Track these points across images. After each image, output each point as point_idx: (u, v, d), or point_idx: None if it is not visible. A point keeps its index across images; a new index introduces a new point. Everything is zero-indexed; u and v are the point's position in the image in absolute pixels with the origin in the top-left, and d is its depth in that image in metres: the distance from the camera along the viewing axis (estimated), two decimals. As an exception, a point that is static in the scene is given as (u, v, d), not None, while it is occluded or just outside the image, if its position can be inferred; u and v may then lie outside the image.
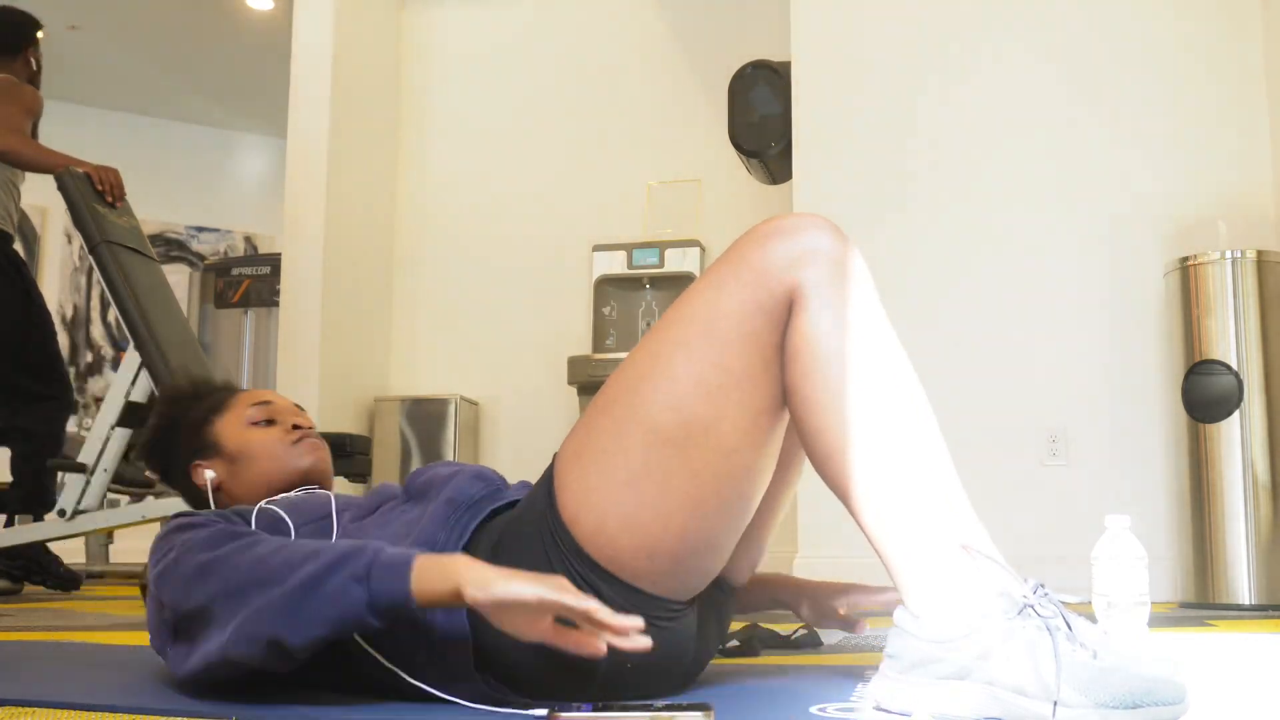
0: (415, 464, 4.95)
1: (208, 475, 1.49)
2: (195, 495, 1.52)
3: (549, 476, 1.23)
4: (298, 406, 1.60)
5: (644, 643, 1.01)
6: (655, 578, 1.17)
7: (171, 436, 1.54)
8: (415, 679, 1.15)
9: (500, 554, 1.23)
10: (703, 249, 4.89)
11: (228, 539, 1.17)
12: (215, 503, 1.50)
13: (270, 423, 1.53)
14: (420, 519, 1.26)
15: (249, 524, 1.27)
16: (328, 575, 1.06)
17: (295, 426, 1.53)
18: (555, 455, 1.24)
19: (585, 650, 1.02)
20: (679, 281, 4.81)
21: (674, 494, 1.15)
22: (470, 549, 1.24)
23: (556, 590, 1.01)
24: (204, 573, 1.14)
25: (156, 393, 3.45)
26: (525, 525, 1.23)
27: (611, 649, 1.08)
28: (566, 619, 1.04)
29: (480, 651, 1.15)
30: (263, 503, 1.35)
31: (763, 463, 1.21)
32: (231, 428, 1.51)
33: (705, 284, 1.19)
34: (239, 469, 1.49)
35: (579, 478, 1.19)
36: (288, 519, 1.30)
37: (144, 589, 1.39)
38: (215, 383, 1.65)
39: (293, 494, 1.43)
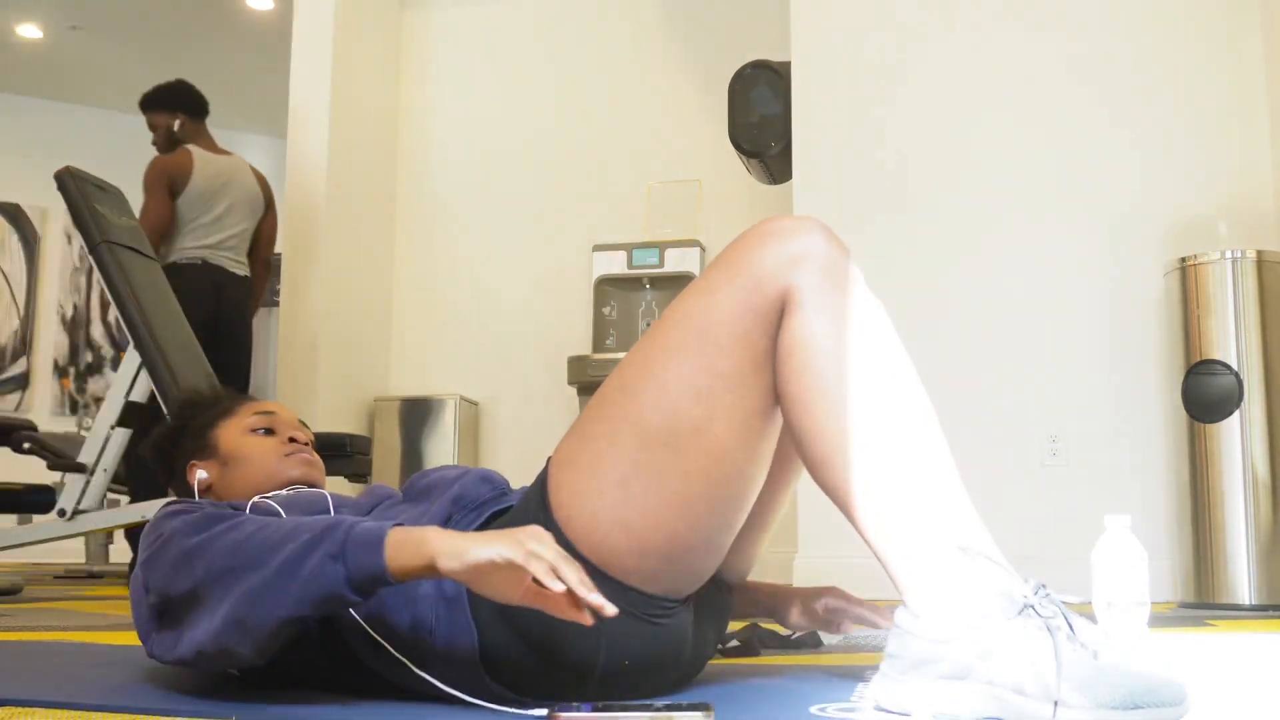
0: (415, 464, 4.95)
1: (199, 475, 1.51)
2: (188, 494, 1.54)
3: (543, 478, 1.24)
4: (302, 423, 1.61)
5: (609, 610, 1.00)
6: (647, 576, 1.17)
7: (178, 437, 1.57)
8: (422, 672, 1.15)
9: None
10: (703, 249, 4.89)
11: (213, 522, 1.17)
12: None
13: (270, 432, 1.55)
14: (421, 517, 1.27)
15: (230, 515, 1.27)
16: (305, 554, 1.06)
17: (292, 440, 1.55)
18: (549, 458, 1.24)
19: (566, 616, 1.02)
20: (679, 281, 4.81)
21: (665, 494, 1.16)
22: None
23: (521, 553, 1.00)
24: (189, 557, 1.14)
25: (157, 393, 3.45)
26: (518, 525, 1.23)
27: (609, 649, 1.08)
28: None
29: (482, 650, 1.15)
30: (257, 497, 1.36)
31: (755, 464, 1.21)
32: (231, 432, 1.54)
33: (699, 287, 1.20)
34: (229, 472, 1.51)
35: (573, 478, 1.19)
36: (282, 514, 1.29)
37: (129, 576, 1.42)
38: (230, 391, 1.69)
39: (285, 491, 1.43)
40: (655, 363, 1.18)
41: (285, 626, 1.08)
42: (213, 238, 4.33)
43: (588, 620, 1.02)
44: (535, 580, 1.01)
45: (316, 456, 1.57)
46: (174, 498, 1.41)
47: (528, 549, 1.00)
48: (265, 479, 1.50)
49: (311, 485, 1.52)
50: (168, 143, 4.48)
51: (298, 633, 1.11)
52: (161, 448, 1.59)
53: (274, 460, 1.52)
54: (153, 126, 4.54)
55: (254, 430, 1.54)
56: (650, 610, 1.18)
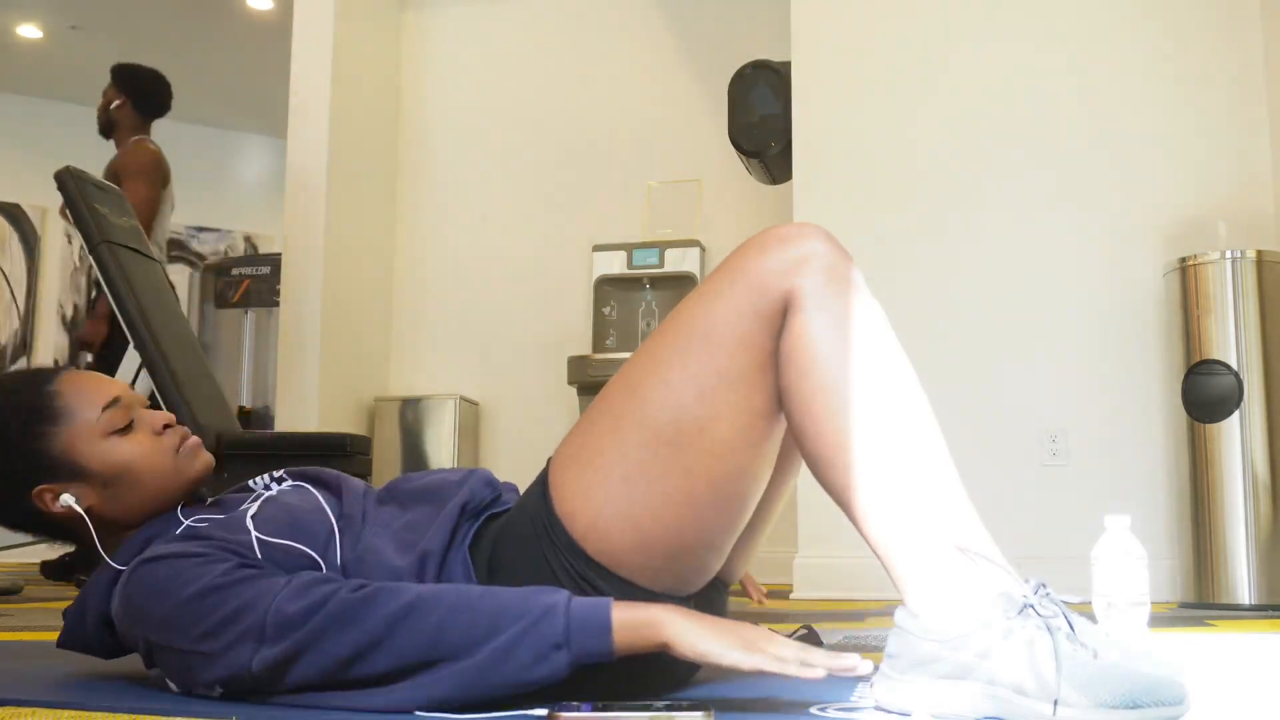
0: (415, 464, 4.95)
1: (65, 500, 1.26)
2: (51, 528, 1.30)
3: (543, 477, 1.24)
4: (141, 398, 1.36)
5: (863, 669, 1.02)
6: (650, 574, 1.18)
7: None
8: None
9: (497, 554, 1.24)
10: (703, 249, 4.89)
11: (316, 588, 1.09)
12: (97, 531, 1.27)
13: (129, 427, 1.30)
14: (431, 523, 1.27)
15: (249, 557, 1.18)
16: (522, 640, 1.04)
17: (166, 427, 1.32)
18: (550, 458, 1.25)
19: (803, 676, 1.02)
20: (679, 282, 4.81)
21: (668, 492, 1.17)
22: (473, 550, 1.25)
23: (775, 662, 1.01)
24: (358, 648, 1.07)
25: (157, 393, 3.45)
26: (520, 525, 1.24)
27: None
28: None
29: None
30: (255, 533, 1.21)
31: (757, 465, 1.22)
32: (85, 443, 1.27)
33: (703, 291, 1.21)
34: (116, 491, 1.28)
35: (575, 476, 1.20)
36: (310, 552, 1.21)
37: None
38: (13, 373, 1.38)
39: (267, 494, 1.32)
40: (660, 363, 1.19)
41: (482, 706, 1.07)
42: (168, 232, 4.43)
43: (818, 675, 1.02)
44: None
45: (198, 438, 1.35)
46: (156, 550, 1.19)
47: (771, 654, 1.02)
48: (168, 488, 1.30)
49: (210, 475, 1.35)
50: (104, 121, 4.59)
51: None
52: None
53: (166, 461, 1.30)
54: (105, 96, 4.67)
55: (113, 431, 1.28)
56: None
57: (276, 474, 1.39)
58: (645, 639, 1.04)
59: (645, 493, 1.17)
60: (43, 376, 1.31)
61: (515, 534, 1.24)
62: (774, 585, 3.95)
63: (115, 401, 1.29)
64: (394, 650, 1.07)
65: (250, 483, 1.39)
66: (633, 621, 1.05)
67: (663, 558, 1.18)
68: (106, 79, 4.71)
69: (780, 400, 1.18)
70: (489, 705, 1.07)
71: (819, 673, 1.01)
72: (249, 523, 1.23)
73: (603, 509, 1.17)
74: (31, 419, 1.27)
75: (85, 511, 1.26)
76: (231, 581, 1.13)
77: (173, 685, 1.20)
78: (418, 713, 1.07)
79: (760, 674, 1.03)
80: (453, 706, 1.06)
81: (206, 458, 1.34)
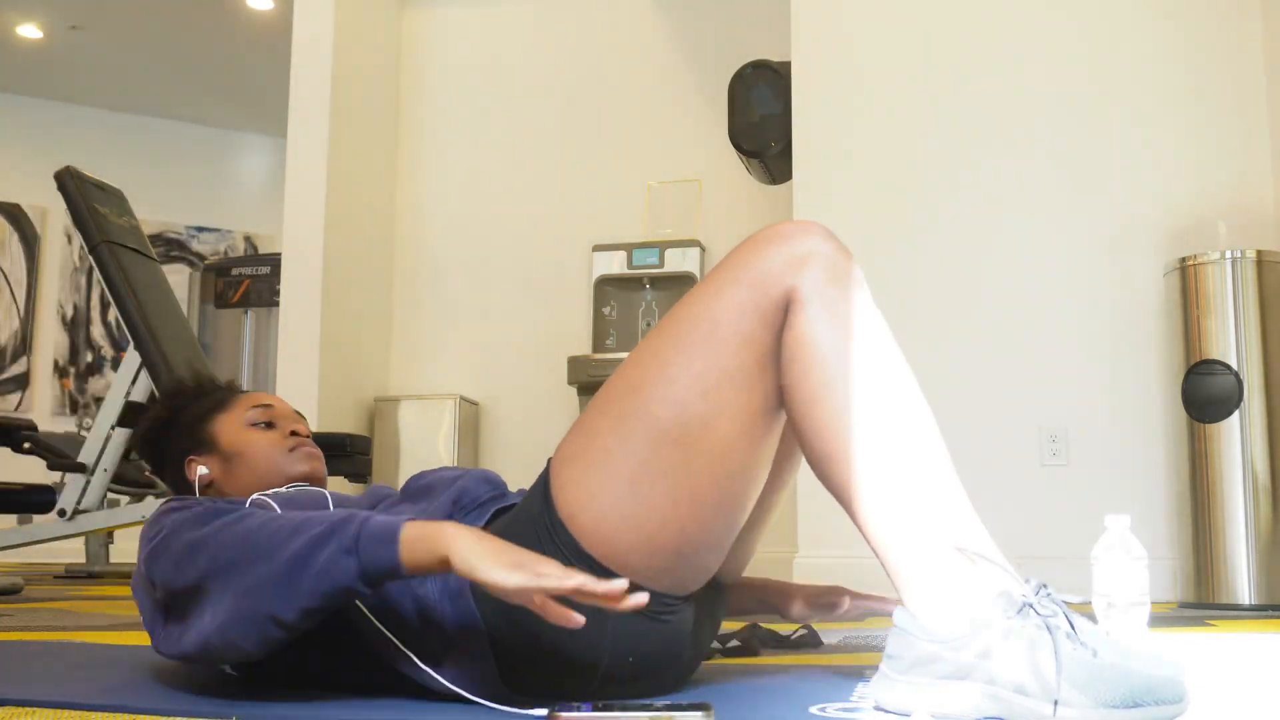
0: (415, 464, 4.95)
1: (200, 470, 1.49)
2: (185, 489, 1.52)
3: (545, 477, 1.24)
4: (298, 414, 1.59)
5: (640, 599, 1.01)
6: (653, 573, 1.18)
7: (170, 429, 1.54)
8: (428, 667, 1.16)
9: None
10: (703, 249, 4.89)
11: (216, 515, 1.18)
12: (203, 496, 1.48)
13: (269, 426, 1.53)
14: (421, 515, 1.27)
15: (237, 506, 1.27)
16: (318, 547, 1.07)
17: (294, 434, 1.53)
18: (551, 457, 1.25)
19: (565, 623, 1.03)
20: (679, 281, 4.81)
21: (671, 491, 1.17)
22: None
23: (536, 578, 1.01)
24: (193, 550, 1.14)
25: (157, 393, 3.46)
26: (521, 525, 1.23)
27: (614, 646, 1.08)
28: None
29: (491, 644, 1.16)
30: (255, 495, 1.34)
31: (758, 462, 1.22)
32: (230, 426, 1.51)
33: (704, 288, 1.21)
34: (233, 468, 1.49)
35: (577, 475, 1.20)
36: (280, 510, 1.29)
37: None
38: (219, 381, 1.65)
39: (285, 489, 1.43)
40: (662, 360, 1.19)
41: (294, 620, 1.08)
42: None
43: (577, 622, 1.02)
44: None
45: (318, 450, 1.55)
46: (172, 496, 1.40)
47: (533, 571, 1.02)
48: (270, 474, 1.48)
49: (314, 481, 1.51)
50: None
51: (305, 627, 1.11)
52: (152, 440, 1.56)
53: (278, 455, 1.50)
54: None
55: (254, 424, 1.52)
56: (655, 607, 1.18)
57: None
58: (429, 552, 1.05)
59: (647, 492, 1.17)
60: (236, 387, 1.63)
61: (517, 534, 1.23)
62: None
63: (267, 406, 1.54)
64: (213, 549, 1.12)
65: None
66: (419, 534, 1.06)
67: (665, 557, 1.18)
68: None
69: (781, 398, 1.18)
70: (490, 702, 1.07)
71: (572, 582, 1.00)
72: (264, 497, 1.34)
73: (605, 508, 1.17)
74: (210, 408, 1.54)
75: (210, 484, 1.49)
76: (191, 518, 1.20)
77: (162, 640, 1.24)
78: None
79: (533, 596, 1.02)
80: (271, 624, 1.08)
81: (314, 465, 1.51)
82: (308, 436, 1.55)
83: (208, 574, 1.12)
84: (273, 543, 1.10)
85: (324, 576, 1.06)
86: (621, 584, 1.00)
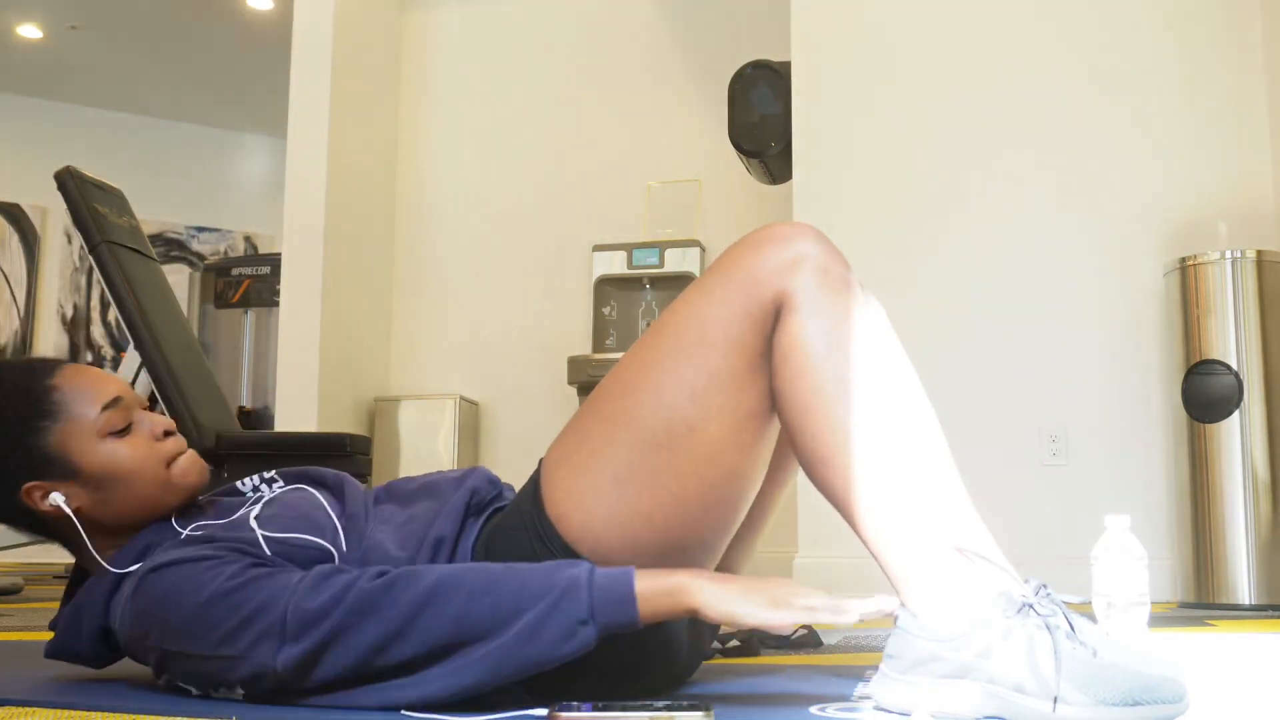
0: (415, 464, 4.94)
1: (54, 499, 1.22)
2: (36, 525, 1.26)
3: (536, 477, 1.24)
4: (139, 397, 1.32)
5: (890, 606, 1.05)
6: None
7: None
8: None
9: (490, 551, 1.24)
10: (703, 249, 4.89)
11: (327, 579, 1.09)
12: (88, 532, 1.24)
13: (127, 430, 1.26)
14: (436, 515, 1.26)
15: (259, 555, 1.18)
16: (549, 618, 1.04)
17: (167, 433, 1.28)
18: (542, 458, 1.25)
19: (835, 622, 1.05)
20: (679, 281, 4.81)
21: (660, 493, 1.17)
22: (474, 547, 1.25)
23: (808, 613, 1.04)
24: (386, 636, 1.06)
25: (157, 393, 3.46)
26: (513, 525, 1.23)
27: (605, 644, 1.08)
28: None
29: None
30: (260, 530, 1.20)
31: (750, 466, 1.21)
32: (80, 441, 1.23)
33: (695, 290, 1.20)
34: (107, 496, 1.24)
35: (566, 476, 1.20)
36: (320, 542, 1.21)
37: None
38: (14, 362, 1.32)
39: (268, 494, 1.31)
40: (651, 364, 1.19)
41: (522, 680, 1.07)
42: None
43: (850, 621, 1.05)
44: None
45: (194, 452, 1.31)
46: (163, 557, 1.17)
47: (800, 606, 1.04)
48: (159, 494, 1.26)
49: (205, 486, 1.32)
50: None
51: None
52: None
53: (159, 470, 1.26)
54: None
55: (111, 433, 1.24)
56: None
57: (267, 475, 1.37)
58: (671, 606, 1.04)
59: (636, 494, 1.16)
60: (44, 368, 1.27)
61: (508, 534, 1.24)
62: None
63: (116, 401, 1.25)
64: (419, 638, 1.06)
65: (238, 484, 1.37)
66: (657, 590, 1.04)
67: (654, 559, 1.17)
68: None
69: (773, 402, 1.18)
70: (490, 704, 1.07)
71: (852, 618, 1.02)
72: (253, 522, 1.21)
73: (594, 510, 1.17)
74: (28, 412, 1.23)
75: (75, 513, 1.23)
76: (245, 581, 1.11)
77: (193, 689, 1.18)
78: (421, 713, 1.07)
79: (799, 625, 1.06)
80: (483, 690, 1.06)
81: (201, 468, 1.30)
82: (172, 428, 1.29)
83: (415, 657, 1.06)
84: (496, 618, 1.05)
85: (560, 645, 1.04)
86: (885, 601, 1.03)
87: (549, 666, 1.05)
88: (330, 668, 1.08)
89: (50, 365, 1.28)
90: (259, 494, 1.33)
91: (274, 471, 1.37)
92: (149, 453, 1.26)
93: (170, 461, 1.27)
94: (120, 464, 1.24)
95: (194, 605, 1.11)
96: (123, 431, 1.25)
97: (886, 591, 1.12)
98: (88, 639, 1.25)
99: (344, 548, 1.23)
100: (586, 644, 1.04)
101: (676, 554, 1.20)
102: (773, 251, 1.16)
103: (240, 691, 1.13)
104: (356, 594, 1.07)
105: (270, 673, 1.09)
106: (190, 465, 1.29)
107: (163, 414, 1.35)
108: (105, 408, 1.24)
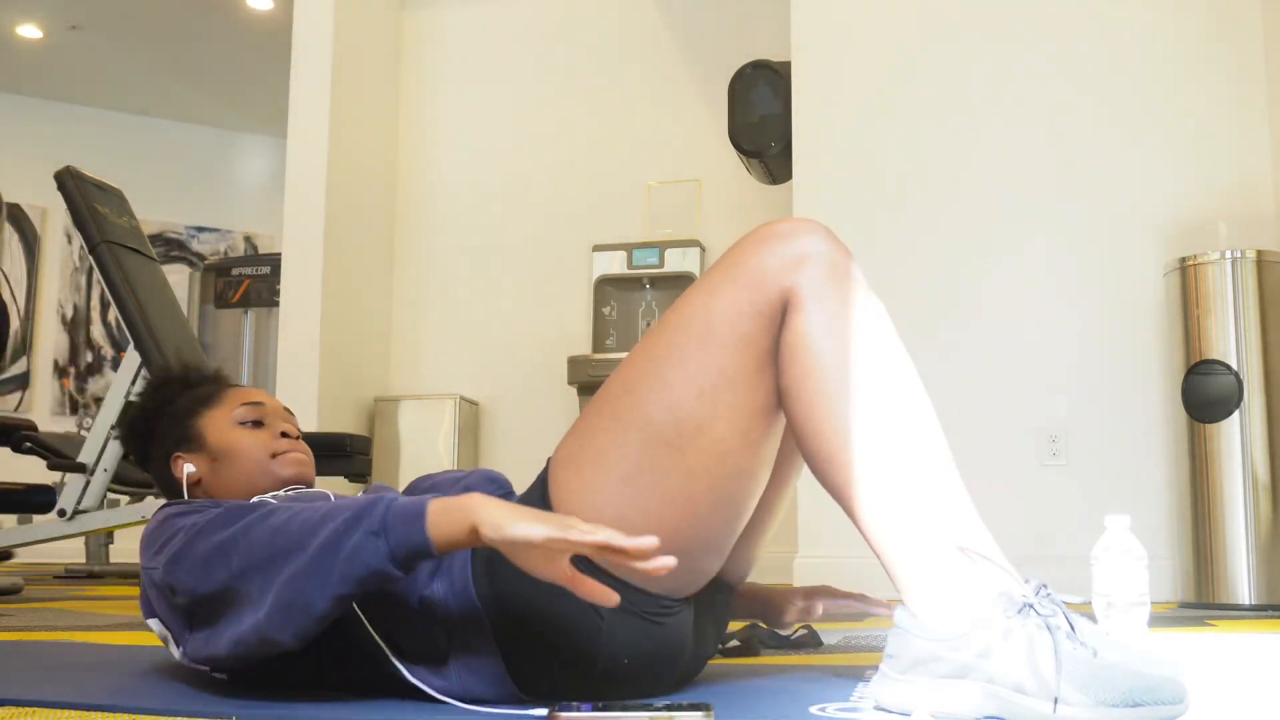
0: (415, 464, 4.95)
1: (187, 469, 1.44)
2: (171, 486, 1.48)
3: (543, 477, 1.24)
4: (288, 411, 1.55)
5: (668, 561, 1.00)
6: (648, 575, 1.17)
7: (156, 422, 1.49)
8: (438, 669, 1.16)
9: (495, 552, 1.23)
10: (703, 249, 4.89)
11: (238, 515, 1.17)
12: (191, 497, 1.45)
13: (259, 424, 1.48)
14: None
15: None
16: (345, 533, 1.06)
17: (284, 435, 1.48)
18: (550, 458, 1.25)
19: (598, 598, 1.03)
20: (679, 281, 4.81)
21: (668, 493, 1.16)
22: (474, 548, 1.25)
23: (564, 529, 1.00)
24: (222, 552, 1.13)
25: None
26: None
27: (610, 646, 1.08)
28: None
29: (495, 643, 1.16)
30: (258, 497, 1.32)
31: (757, 465, 1.21)
32: (219, 424, 1.46)
33: (701, 288, 1.20)
34: (219, 468, 1.45)
35: (574, 475, 1.20)
36: (324, 491, 1.31)
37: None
38: (207, 372, 1.60)
39: (284, 491, 1.42)
40: (658, 362, 1.18)
41: (328, 608, 1.08)
42: None
43: (614, 600, 1.03)
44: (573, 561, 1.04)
45: (308, 450, 1.51)
46: (170, 500, 1.36)
47: (559, 524, 1.01)
48: (257, 477, 1.44)
49: (304, 484, 1.48)
50: None
51: (338, 615, 1.10)
52: (139, 433, 1.51)
53: (266, 458, 1.45)
54: None
55: (242, 422, 1.46)
56: (652, 609, 1.18)
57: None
58: (457, 524, 1.04)
59: (644, 494, 1.16)
60: (224, 378, 1.58)
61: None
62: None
63: (258, 404, 1.49)
64: (244, 548, 1.12)
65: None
66: (444, 507, 1.05)
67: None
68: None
69: (780, 399, 1.18)
70: (489, 703, 1.07)
71: (600, 535, 0.99)
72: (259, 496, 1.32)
73: (601, 510, 1.17)
74: (198, 402, 1.49)
75: (196, 483, 1.45)
76: (221, 513, 1.20)
77: (184, 635, 1.23)
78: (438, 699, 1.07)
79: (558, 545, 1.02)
80: (308, 612, 1.07)
81: (301, 469, 1.46)
82: (298, 437, 1.51)
83: (240, 573, 1.12)
84: (302, 534, 1.09)
85: (354, 560, 1.05)
86: (651, 541, 0.99)
87: (355, 588, 1.06)
88: (182, 574, 1.17)
89: (224, 378, 1.59)
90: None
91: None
92: (262, 443, 1.46)
93: (277, 453, 1.46)
94: (235, 445, 1.45)
95: (185, 538, 1.19)
96: (254, 425, 1.47)
97: (889, 590, 1.12)
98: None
99: None
100: (379, 559, 1.05)
101: (683, 554, 1.19)
102: (778, 248, 1.16)
103: (221, 672, 1.20)
104: (236, 528, 1.16)
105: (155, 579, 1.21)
106: (291, 459, 1.46)
107: (297, 427, 1.55)
108: (246, 404, 1.48)
